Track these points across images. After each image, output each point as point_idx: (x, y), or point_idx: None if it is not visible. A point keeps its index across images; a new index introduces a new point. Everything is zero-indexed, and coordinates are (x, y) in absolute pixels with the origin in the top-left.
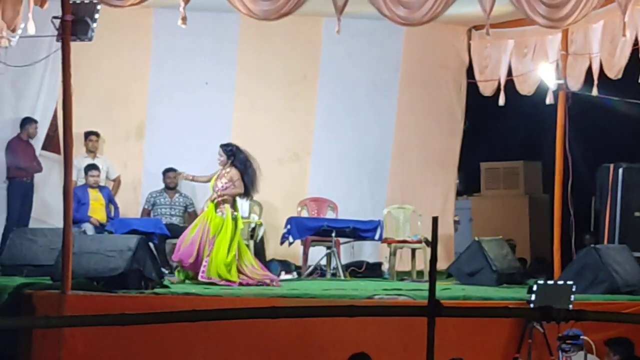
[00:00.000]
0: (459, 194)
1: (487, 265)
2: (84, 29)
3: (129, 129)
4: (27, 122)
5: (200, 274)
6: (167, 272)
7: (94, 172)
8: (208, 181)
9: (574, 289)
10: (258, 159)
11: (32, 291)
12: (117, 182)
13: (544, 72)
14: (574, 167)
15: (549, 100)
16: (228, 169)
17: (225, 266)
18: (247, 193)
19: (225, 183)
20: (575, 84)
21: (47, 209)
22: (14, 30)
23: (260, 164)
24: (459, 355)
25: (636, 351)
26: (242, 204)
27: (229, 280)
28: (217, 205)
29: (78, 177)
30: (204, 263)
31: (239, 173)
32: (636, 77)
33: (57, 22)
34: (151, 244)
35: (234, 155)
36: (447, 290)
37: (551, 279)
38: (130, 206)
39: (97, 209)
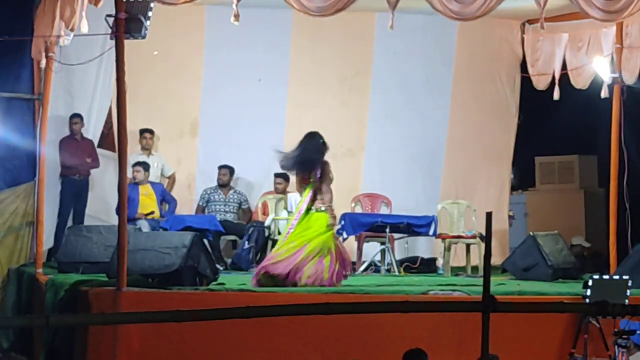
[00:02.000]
0: (513, 188)
1: (542, 260)
2: (137, 27)
3: (182, 126)
4: (70, 118)
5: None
6: (221, 268)
7: (137, 168)
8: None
9: (630, 284)
10: None
11: (88, 288)
12: (172, 179)
13: (598, 66)
14: (629, 161)
15: (604, 94)
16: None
17: None
18: None
19: (322, 197)
20: (631, 77)
21: (102, 206)
22: (72, 30)
23: None
24: (513, 352)
25: None
26: (296, 200)
27: None
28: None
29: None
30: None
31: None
32: None
33: (111, 20)
34: (205, 241)
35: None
36: (501, 285)
37: (607, 273)
38: (184, 203)
39: (148, 205)
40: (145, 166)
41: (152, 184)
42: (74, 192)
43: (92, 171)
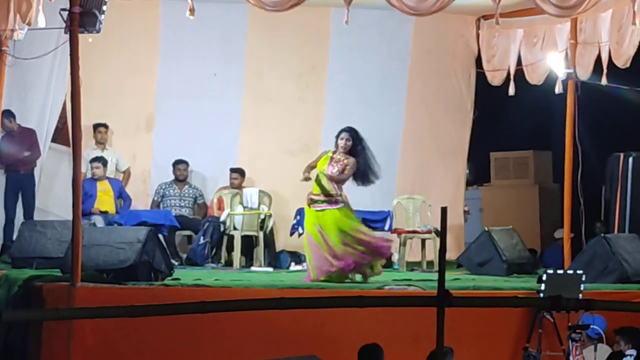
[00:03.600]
0: (468, 184)
1: (497, 255)
2: (91, 21)
3: (138, 120)
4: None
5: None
6: (177, 263)
7: (96, 164)
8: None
9: (583, 279)
10: (268, 150)
11: (42, 283)
12: (126, 174)
13: (553, 62)
14: (583, 156)
15: (558, 89)
16: (344, 157)
17: None
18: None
19: (340, 171)
20: (585, 73)
21: (57, 201)
22: (29, 24)
23: (270, 155)
24: (468, 346)
25: None
26: (252, 195)
27: None
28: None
29: (87, 169)
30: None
31: (355, 164)
32: None
33: (65, 14)
34: (161, 236)
35: (359, 144)
36: (457, 280)
37: (561, 268)
38: (139, 198)
39: (105, 201)
40: (104, 162)
41: (110, 180)
42: (18, 187)
43: (46, 166)
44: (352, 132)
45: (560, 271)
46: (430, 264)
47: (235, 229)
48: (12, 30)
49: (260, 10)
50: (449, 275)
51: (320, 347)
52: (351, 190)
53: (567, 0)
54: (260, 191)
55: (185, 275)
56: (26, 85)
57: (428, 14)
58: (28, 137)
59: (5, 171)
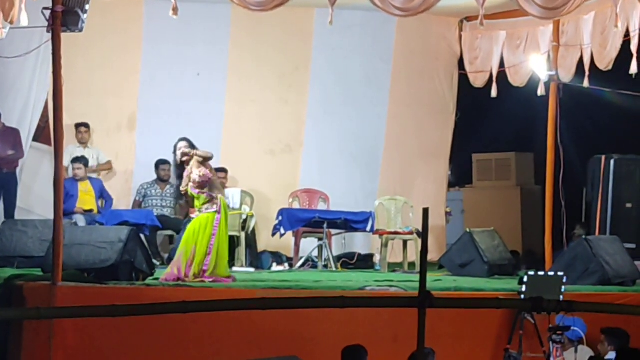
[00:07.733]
0: (450, 185)
1: (478, 257)
2: (74, 20)
3: (120, 120)
4: None
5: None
6: (158, 263)
7: (78, 165)
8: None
9: (564, 280)
10: (250, 150)
11: (23, 283)
12: (108, 166)
13: (535, 64)
14: (565, 159)
15: (541, 91)
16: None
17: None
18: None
19: (201, 175)
20: (567, 75)
21: (38, 200)
22: (12, 22)
23: (252, 155)
24: (449, 348)
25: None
26: (234, 195)
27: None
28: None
29: (68, 168)
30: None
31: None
32: (627, 68)
33: (48, 13)
34: (142, 236)
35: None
36: (438, 281)
37: (542, 270)
38: (122, 198)
39: (86, 201)
40: (85, 162)
41: (92, 180)
42: (0, 185)
43: (27, 165)
44: (188, 141)
45: (541, 273)
46: (411, 265)
47: None
48: None
49: (243, 10)
50: (431, 276)
51: (301, 348)
52: (334, 191)
53: (551, 2)
54: (242, 191)
55: None
56: (8, 83)
57: (415, 14)
58: (12, 136)
59: None
